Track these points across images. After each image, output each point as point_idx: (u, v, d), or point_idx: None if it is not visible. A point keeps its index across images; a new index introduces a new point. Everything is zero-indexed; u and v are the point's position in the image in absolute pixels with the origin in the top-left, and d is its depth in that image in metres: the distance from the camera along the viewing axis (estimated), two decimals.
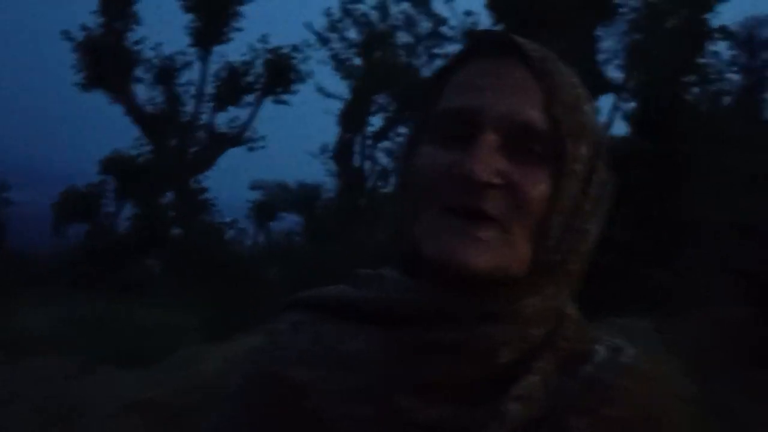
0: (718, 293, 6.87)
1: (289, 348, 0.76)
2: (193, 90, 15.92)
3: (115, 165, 15.86)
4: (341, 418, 0.68)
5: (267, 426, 0.73)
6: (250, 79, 15.89)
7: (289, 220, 18.25)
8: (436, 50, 17.45)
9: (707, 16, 12.79)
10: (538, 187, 0.66)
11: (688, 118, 10.05)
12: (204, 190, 15.84)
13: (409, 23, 17.48)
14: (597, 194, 0.71)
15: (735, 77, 17.88)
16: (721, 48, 16.90)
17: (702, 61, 13.15)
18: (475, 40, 0.74)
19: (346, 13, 16.77)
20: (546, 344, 0.70)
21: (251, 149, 16.23)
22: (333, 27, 16.45)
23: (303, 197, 17.98)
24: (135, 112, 15.14)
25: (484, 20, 14.95)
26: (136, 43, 15.51)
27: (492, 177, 0.65)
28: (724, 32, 13.60)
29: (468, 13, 16.53)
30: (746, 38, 20.53)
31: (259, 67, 15.95)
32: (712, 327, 6.46)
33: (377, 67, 16.86)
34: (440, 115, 0.70)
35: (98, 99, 15.44)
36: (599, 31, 15.48)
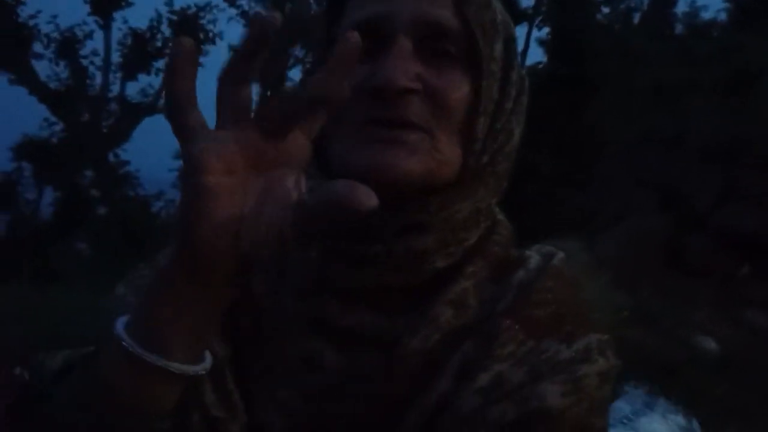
0: (635, 205, 7.11)
1: None
2: (99, 61, 15.28)
3: (27, 149, 15.19)
4: (273, 313, 0.69)
5: None
6: (157, 44, 15.33)
7: None
8: None
9: None
10: (457, 89, 0.65)
11: (598, 38, 10.21)
12: (124, 163, 15.37)
13: None
14: (516, 92, 0.70)
15: None
16: None
17: None
18: None
19: None
20: (478, 249, 0.69)
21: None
22: None
23: None
24: (39, 90, 14.43)
25: None
26: (31, 17, 14.72)
27: (410, 82, 0.63)
28: None
29: None
30: None
31: (165, 31, 15.40)
32: (633, 238, 6.70)
33: (289, 20, 16.50)
34: (348, 27, 0.66)
35: None
36: None
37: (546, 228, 7.03)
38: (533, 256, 0.72)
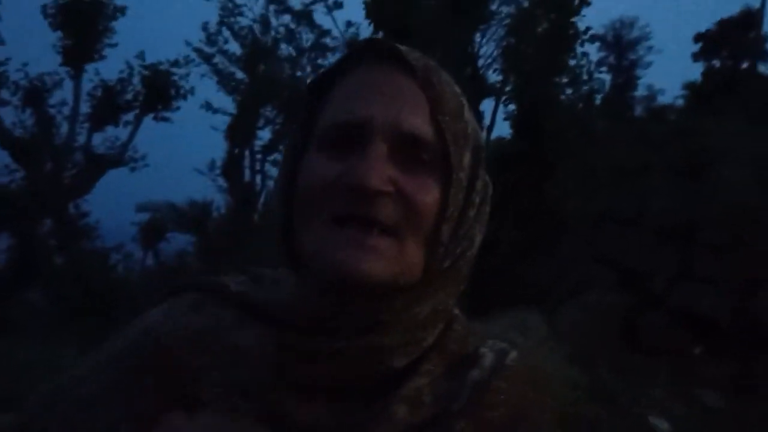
0: (593, 282, 7.21)
1: (184, 327, 0.74)
2: (67, 111, 15.15)
3: None
4: (222, 409, 0.68)
5: (140, 396, 0.71)
6: (128, 96, 15.30)
7: (181, 240, 17.72)
8: (319, 61, 17.47)
9: (574, 19, 13.44)
10: (428, 195, 0.66)
11: (560, 118, 10.52)
12: (85, 215, 15.08)
13: (292, 36, 17.41)
14: (480, 200, 0.73)
15: (606, 77, 18.93)
16: (591, 49, 17.83)
17: (573, 62, 13.80)
18: (358, 49, 0.73)
19: (226, 26, 16.49)
20: (435, 347, 0.71)
21: (133, 169, 15.62)
22: (211, 41, 16.12)
23: (193, 216, 17.51)
24: (3, 137, 14.22)
25: (365, 31, 15.11)
26: (0, 64, 14.62)
27: (384, 185, 0.64)
28: (591, 35, 14.32)
29: (349, 24, 16.66)
30: (613, 40, 21.79)
31: (137, 84, 15.39)
32: (590, 314, 6.77)
33: (261, 81, 16.68)
34: (328, 126, 0.69)
35: None
36: (477, 37, 16.00)
37: (505, 300, 7.09)
38: (487, 354, 0.73)
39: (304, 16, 17.15)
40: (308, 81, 0.79)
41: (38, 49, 15.55)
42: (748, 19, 17.93)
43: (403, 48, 0.71)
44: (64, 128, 15.21)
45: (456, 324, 0.75)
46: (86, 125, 15.29)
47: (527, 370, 0.75)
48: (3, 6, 14.12)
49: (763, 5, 17.35)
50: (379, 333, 0.67)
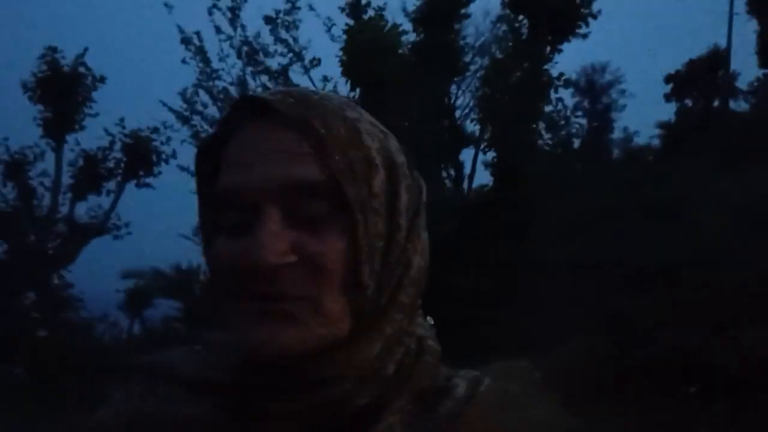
0: (577, 326, 7.19)
1: (132, 413, 0.73)
2: (48, 181, 15.19)
3: None
4: None
5: None
6: (109, 164, 15.37)
7: (167, 306, 17.54)
8: None
9: (546, 66, 13.73)
10: (333, 250, 0.63)
11: (539, 163, 10.65)
12: (68, 285, 14.97)
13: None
14: (407, 219, 0.69)
15: (582, 122, 19.26)
16: (566, 95, 18.16)
17: (548, 108, 14.04)
18: (233, 109, 0.70)
19: (204, 90, 16.66)
20: (402, 380, 0.68)
21: (117, 237, 15.58)
22: (190, 105, 16.27)
23: (179, 281, 17.37)
24: None
25: (342, 86, 15.34)
26: None
27: (281, 258, 0.61)
28: (565, 80, 14.62)
29: (326, 79, 16.89)
30: (586, 85, 22.25)
31: (117, 152, 15.49)
32: (578, 359, 6.73)
33: None
34: (220, 199, 0.66)
35: None
36: (453, 89, 16.28)
37: (490, 348, 7.03)
38: (459, 384, 0.71)
39: (280, 75, 17.38)
40: (197, 146, 0.76)
41: (20, 123, 15.70)
42: (716, 58, 18.39)
43: (274, 98, 0.66)
44: (47, 199, 15.25)
45: (426, 355, 0.72)
46: (68, 195, 15.33)
47: (501, 396, 0.72)
48: None
49: (729, 44, 17.84)
50: (330, 384, 0.65)
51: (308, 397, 0.64)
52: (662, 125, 16.84)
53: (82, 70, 15.17)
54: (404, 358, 0.70)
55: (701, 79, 17.94)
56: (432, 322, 0.77)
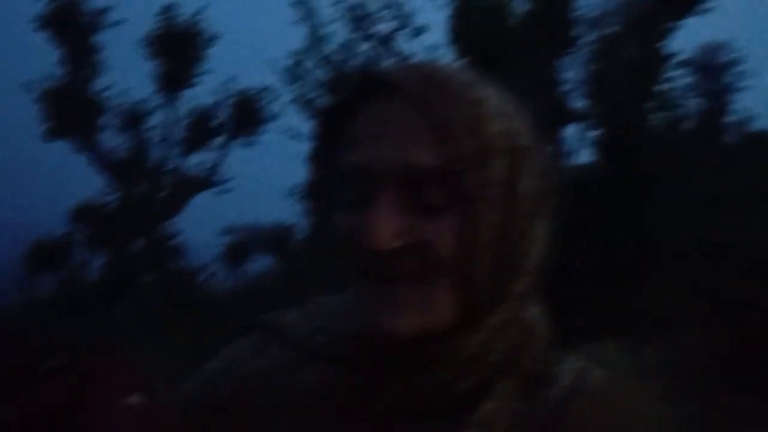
0: (688, 314, 6.92)
1: (245, 371, 0.76)
2: (160, 135, 15.83)
3: (84, 214, 15.63)
4: None
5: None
6: (218, 122, 15.85)
7: (266, 262, 18.09)
8: None
9: (661, 44, 13.09)
10: (445, 236, 0.63)
11: (649, 143, 10.24)
12: (175, 235, 15.65)
13: (374, 62, 17.63)
14: (529, 207, 0.68)
15: (696, 102, 18.32)
16: (682, 74, 17.29)
17: (662, 87, 13.42)
18: (359, 84, 0.70)
19: (312, 53, 16.84)
20: (509, 364, 0.69)
21: (221, 192, 16.12)
22: (298, 68, 16.48)
23: (276, 238, 17.83)
24: (101, 159, 14.98)
25: (448, 55, 15.14)
26: (102, 91, 15.43)
27: (393, 242, 0.62)
28: (681, 60, 13.92)
29: (432, 48, 16.72)
30: (704, 64, 21.11)
31: (226, 110, 15.93)
32: (684, 348, 6.50)
33: None
34: (342, 174, 0.68)
35: (62, 149, 15.29)
36: (561, 63, 15.80)
37: (593, 331, 6.88)
38: (567, 374, 0.72)
39: (386, 42, 17.33)
40: (318, 115, 0.75)
41: (137, 76, 16.35)
42: None
43: (398, 75, 0.66)
44: (158, 151, 15.90)
45: (534, 342, 0.72)
46: (178, 149, 15.93)
47: (613, 392, 0.72)
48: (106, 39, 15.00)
49: None
50: (434, 369, 0.66)
51: (412, 380, 0.66)
52: None
53: (197, 28, 15.61)
54: (511, 345, 0.70)
55: None
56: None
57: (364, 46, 18.72)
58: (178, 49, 15.18)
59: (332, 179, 0.70)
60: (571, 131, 17.62)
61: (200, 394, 0.77)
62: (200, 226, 19.76)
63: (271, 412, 0.72)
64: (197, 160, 16.03)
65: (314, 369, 0.72)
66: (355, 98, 0.69)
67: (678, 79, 15.90)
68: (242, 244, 18.31)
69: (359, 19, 18.17)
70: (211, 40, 15.73)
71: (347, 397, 0.69)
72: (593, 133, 14.74)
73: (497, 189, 0.65)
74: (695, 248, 7.64)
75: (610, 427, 0.68)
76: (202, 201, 17.09)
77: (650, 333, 7.03)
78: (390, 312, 0.63)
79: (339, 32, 18.82)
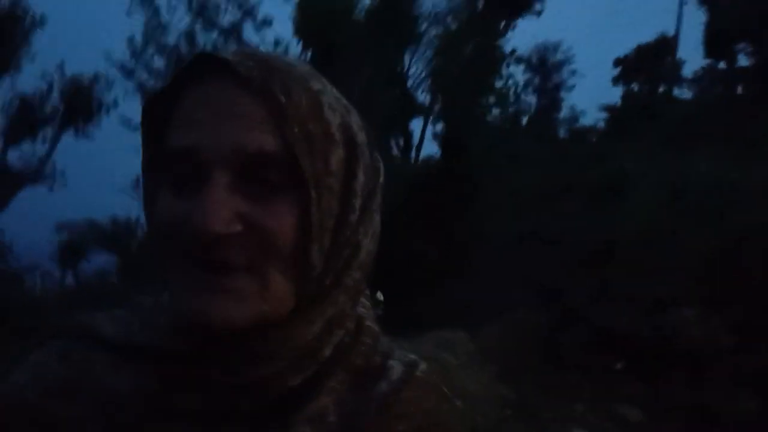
0: (516, 300, 7.35)
1: (51, 379, 0.69)
2: None
3: None
4: None
5: None
6: (46, 110, 14.81)
7: (101, 260, 17.18)
8: None
9: (499, 42, 13.82)
10: (281, 221, 0.59)
11: (486, 138, 10.76)
12: None
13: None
14: (362, 201, 0.66)
15: (532, 99, 19.51)
16: (517, 72, 18.32)
17: (498, 84, 14.15)
18: (189, 65, 0.64)
19: (151, 41, 16.17)
20: (338, 360, 0.66)
21: (51, 187, 15.10)
22: (136, 56, 15.77)
23: (115, 234, 17.03)
24: None
25: (294, 49, 15.08)
26: None
27: (226, 226, 0.58)
28: (517, 57, 14.76)
29: (278, 42, 16.60)
30: (538, 62, 22.52)
31: (56, 98, 14.93)
32: (515, 332, 6.90)
33: None
34: (167, 157, 0.61)
35: None
36: (405, 58, 16.21)
37: (431, 317, 7.13)
38: (395, 366, 0.70)
39: (231, 33, 16.99)
40: (145, 99, 0.70)
41: None
42: (664, 45, 18.81)
43: (234, 57, 0.62)
44: None
45: (364, 336, 0.70)
46: (1, 139, 14.74)
47: (437, 379, 0.72)
48: None
49: (677, 32, 18.25)
50: (265, 362, 0.62)
51: (241, 373, 0.62)
52: (607, 108, 17.22)
53: (20, 10, 14.50)
54: (342, 340, 0.68)
55: (648, 64, 18.34)
56: (381, 298, 0.75)
57: (208, 37, 18.28)
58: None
59: (160, 164, 0.62)
60: (416, 125, 18.21)
61: (3, 405, 0.67)
62: (30, 224, 18.42)
63: (78, 422, 0.65)
64: (23, 152, 14.92)
65: (131, 369, 0.64)
66: (185, 80, 0.63)
67: (513, 76, 16.86)
68: (78, 241, 17.28)
69: (202, 8, 17.67)
70: (38, 23, 14.69)
71: (165, 397, 0.62)
72: (436, 127, 15.33)
73: (333, 179, 0.62)
74: (527, 239, 8.12)
75: (433, 415, 0.67)
76: (31, 196, 15.96)
77: (486, 318, 7.40)
78: (220, 302, 0.58)
79: (180, 21, 18.21)
